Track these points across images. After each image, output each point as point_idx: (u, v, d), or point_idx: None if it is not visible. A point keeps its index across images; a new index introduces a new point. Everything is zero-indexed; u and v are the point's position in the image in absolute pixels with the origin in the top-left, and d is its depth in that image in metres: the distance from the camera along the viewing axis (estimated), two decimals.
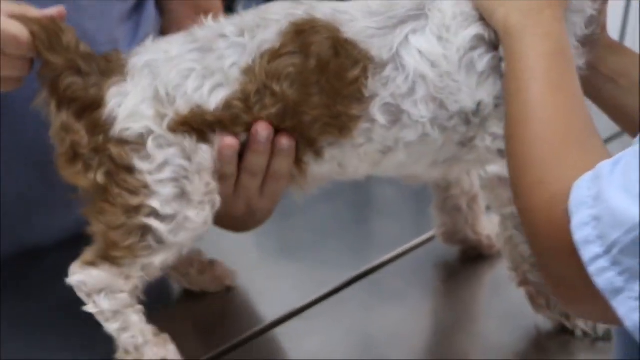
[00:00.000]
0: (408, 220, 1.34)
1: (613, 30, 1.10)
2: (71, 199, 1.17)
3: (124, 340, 0.98)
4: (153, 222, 0.95)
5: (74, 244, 1.19)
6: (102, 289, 0.97)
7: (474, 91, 0.94)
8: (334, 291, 1.15)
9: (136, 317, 0.98)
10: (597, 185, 0.72)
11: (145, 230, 0.95)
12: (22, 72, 0.95)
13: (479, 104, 0.95)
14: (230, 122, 0.96)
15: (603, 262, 0.70)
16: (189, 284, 1.12)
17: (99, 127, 0.95)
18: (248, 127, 0.96)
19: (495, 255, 1.21)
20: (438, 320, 1.13)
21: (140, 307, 0.99)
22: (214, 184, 0.98)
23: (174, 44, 0.98)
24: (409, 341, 1.07)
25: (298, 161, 0.99)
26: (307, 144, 0.98)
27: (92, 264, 0.97)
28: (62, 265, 1.16)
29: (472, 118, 0.96)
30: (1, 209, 1.15)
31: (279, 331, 1.07)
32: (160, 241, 0.96)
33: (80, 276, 0.97)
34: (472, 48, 0.94)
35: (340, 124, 0.96)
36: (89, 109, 0.96)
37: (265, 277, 1.19)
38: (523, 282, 1.06)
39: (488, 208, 1.24)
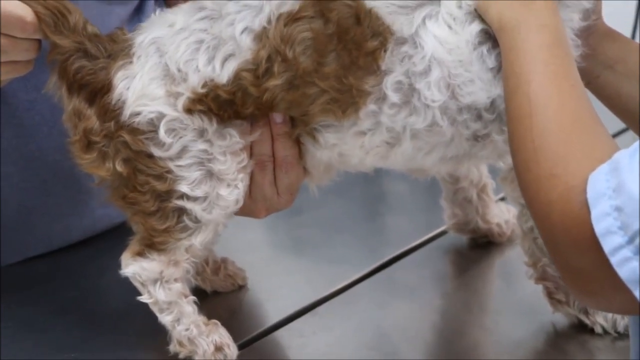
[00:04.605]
0: (419, 215, 1.33)
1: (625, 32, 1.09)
2: (70, 208, 1.18)
3: (178, 332, 0.99)
4: (186, 204, 0.96)
5: (72, 250, 1.21)
6: (156, 279, 0.98)
7: (488, 87, 0.93)
8: (345, 287, 1.14)
9: (189, 308, 1.00)
10: (616, 177, 0.71)
11: (180, 211, 0.96)
12: (30, 54, 0.94)
13: (493, 100, 0.94)
14: (241, 101, 0.94)
15: (626, 252, 0.70)
16: (203, 282, 1.12)
17: (109, 112, 0.94)
18: (255, 106, 0.95)
19: (506, 244, 1.20)
20: (450, 315, 1.12)
21: (192, 297, 1.00)
22: (246, 160, 0.98)
23: (180, 15, 0.96)
24: (421, 337, 1.06)
25: (297, 141, 0.99)
26: (302, 121, 0.96)
27: (140, 254, 0.98)
28: (60, 271, 1.17)
29: (486, 114, 0.95)
30: (2, 218, 1.15)
31: (291, 327, 1.07)
32: (196, 220, 0.96)
33: (134, 267, 0.99)
34: (480, 43, 0.93)
35: (346, 101, 0.94)
36: (99, 93, 0.95)
37: (277, 273, 1.19)
38: (541, 277, 1.05)
39: (502, 199, 1.24)
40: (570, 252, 0.75)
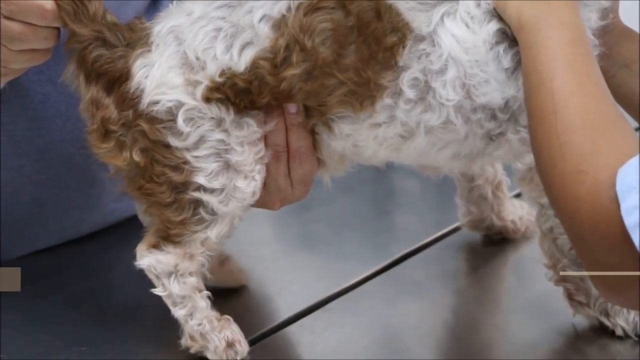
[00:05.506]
0: (429, 213, 1.33)
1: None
2: (82, 201, 1.17)
3: (190, 327, 0.99)
4: (203, 196, 0.95)
5: (82, 243, 1.21)
6: (171, 272, 0.98)
7: (503, 87, 0.93)
8: (355, 284, 1.13)
9: (203, 303, 0.99)
10: None
11: (197, 203, 0.96)
12: (49, 42, 0.94)
13: (507, 101, 0.94)
14: (257, 90, 0.94)
15: None
16: (210, 274, 1.11)
17: (128, 101, 0.94)
18: (272, 95, 0.94)
19: (521, 241, 1.20)
20: (463, 312, 1.11)
21: (207, 292, 1.00)
22: (264, 150, 0.97)
23: (198, 3, 0.96)
24: (431, 334, 1.06)
25: (312, 132, 0.98)
26: (318, 112, 0.96)
27: (156, 246, 0.98)
28: (70, 264, 1.17)
29: (500, 114, 0.95)
30: (15, 210, 1.14)
31: (302, 324, 1.06)
32: (212, 213, 0.96)
33: (149, 260, 0.98)
34: (497, 43, 0.93)
35: (364, 94, 0.94)
36: (117, 82, 0.95)
37: (286, 269, 1.18)
38: (561, 279, 1.04)
39: (518, 196, 1.23)
40: (599, 248, 0.75)
